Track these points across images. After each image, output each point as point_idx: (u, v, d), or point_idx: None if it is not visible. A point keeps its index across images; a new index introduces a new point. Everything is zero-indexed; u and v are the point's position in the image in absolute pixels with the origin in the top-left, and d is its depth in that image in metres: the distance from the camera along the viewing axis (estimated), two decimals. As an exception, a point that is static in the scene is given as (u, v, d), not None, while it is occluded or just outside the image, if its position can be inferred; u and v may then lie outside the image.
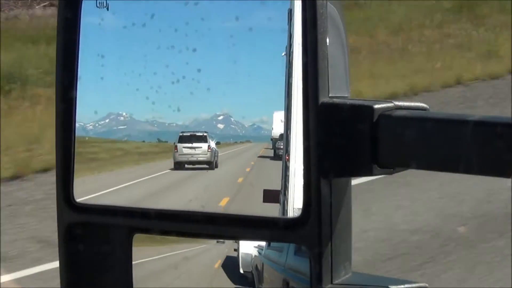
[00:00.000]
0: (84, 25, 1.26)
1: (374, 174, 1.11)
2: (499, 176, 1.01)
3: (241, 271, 1.38)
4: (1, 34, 14.54)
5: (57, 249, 1.27)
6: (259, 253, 1.40)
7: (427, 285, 1.16)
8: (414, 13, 17.54)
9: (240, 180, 1.23)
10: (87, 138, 1.30)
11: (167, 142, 1.31)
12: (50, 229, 7.31)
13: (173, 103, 1.22)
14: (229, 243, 1.37)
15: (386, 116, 1.09)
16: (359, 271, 1.20)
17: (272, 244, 1.37)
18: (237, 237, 1.28)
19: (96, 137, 1.32)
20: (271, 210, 1.18)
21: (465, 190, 8.43)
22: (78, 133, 1.28)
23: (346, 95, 1.16)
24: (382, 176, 1.13)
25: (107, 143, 1.34)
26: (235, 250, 1.38)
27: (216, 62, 1.21)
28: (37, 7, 18.43)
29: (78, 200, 1.27)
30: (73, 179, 1.27)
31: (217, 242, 1.35)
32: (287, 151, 1.20)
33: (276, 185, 1.20)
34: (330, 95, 1.13)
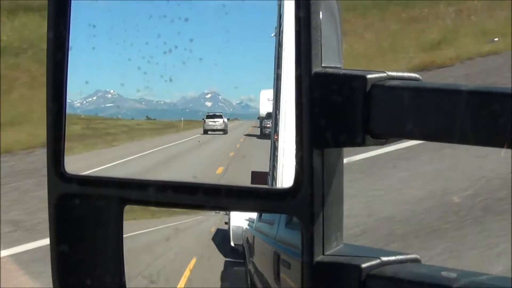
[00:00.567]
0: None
1: (367, 144, 1.10)
2: (494, 146, 1.01)
3: (232, 244, 1.38)
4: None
5: None
6: (250, 226, 1.39)
7: (418, 256, 1.16)
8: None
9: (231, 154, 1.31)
10: (82, 116, 1.31)
11: (155, 119, 1.31)
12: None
13: (165, 74, 1.22)
14: (220, 216, 1.37)
15: (379, 86, 1.09)
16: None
17: (263, 216, 1.37)
18: (228, 208, 1.28)
19: (90, 115, 1.32)
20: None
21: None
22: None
23: (339, 66, 1.16)
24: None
25: (108, 120, 1.34)
26: (226, 223, 1.37)
27: (208, 32, 1.21)
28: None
29: (69, 171, 1.26)
30: (64, 149, 1.26)
31: (216, 213, 1.35)
32: (275, 130, 1.19)
33: (264, 165, 1.20)
34: (323, 65, 1.12)
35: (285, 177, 1.15)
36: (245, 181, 1.19)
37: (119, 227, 1.28)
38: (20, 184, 9.10)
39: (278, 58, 1.17)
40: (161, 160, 1.32)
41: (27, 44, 13.81)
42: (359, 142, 1.10)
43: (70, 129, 1.28)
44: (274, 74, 1.18)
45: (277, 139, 1.19)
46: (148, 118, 1.31)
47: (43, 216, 6.26)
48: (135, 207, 1.30)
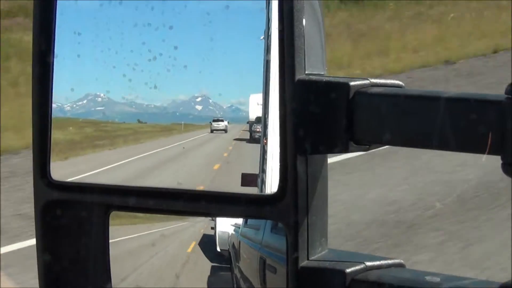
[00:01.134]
0: (61, 1, 1.25)
1: (350, 150, 1.11)
2: (473, 152, 1.02)
3: (218, 249, 1.39)
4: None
5: None
6: (236, 231, 1.40)
7: (402, 261, 1.17)
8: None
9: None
10: (81, 120, 1.32)
11: (146, 123, 1.31)
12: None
13: (149, 81, 1.23)
14: (206, 221, 1.37)
15: (362, 93, 1.10)
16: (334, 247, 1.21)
17: (249, 222, 1.38)
18: (213, 214, 1.29)
19: (86, 118, 1.33)
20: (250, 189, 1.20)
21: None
22: (55, 114, 1.28)
23: (322, 73, 1.17)
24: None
25: (107, 124, 1.35)
26: (212, 228, 1.38)
27: (193, 40, 1.21)
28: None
29: (55, 177, 1.27)
30: (50, 156, 1.26)
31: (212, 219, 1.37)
32: (265, 134, 1.20)
33: (254, 167, 1.20)
34: (306, 72, 1.13)
35: (274, 180, 1.16)
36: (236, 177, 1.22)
37: (105, 233, 1.28)
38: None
39: (267, 62, 1.18)
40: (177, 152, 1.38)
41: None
42: (342, 149, 1.11)
43: (83, 131, 1.33)
44: (263, 77, 1.18)
45: (266, 143, 1.20)
46: (139, 121, 1.31)
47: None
48: (122, 213, 1.31)
